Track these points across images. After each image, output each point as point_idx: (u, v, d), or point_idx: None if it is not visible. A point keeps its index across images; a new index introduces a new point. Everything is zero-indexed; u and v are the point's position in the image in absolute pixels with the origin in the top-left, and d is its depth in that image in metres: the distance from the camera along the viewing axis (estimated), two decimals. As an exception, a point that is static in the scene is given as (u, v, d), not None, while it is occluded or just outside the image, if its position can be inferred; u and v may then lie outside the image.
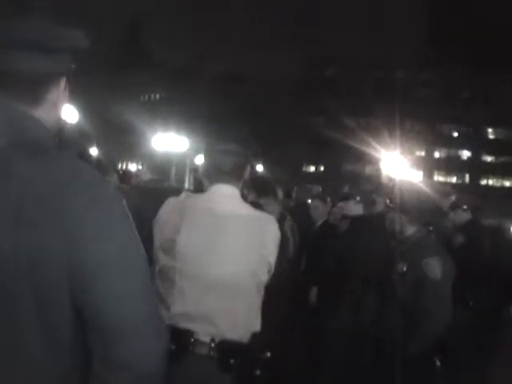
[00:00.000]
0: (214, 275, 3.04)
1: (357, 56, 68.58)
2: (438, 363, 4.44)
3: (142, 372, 1.56)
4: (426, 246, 4.67)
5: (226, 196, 3.20)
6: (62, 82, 1.75)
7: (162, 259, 3.11)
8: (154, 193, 5.34)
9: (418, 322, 4.37)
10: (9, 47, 1.60)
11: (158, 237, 3.14)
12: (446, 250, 4.90)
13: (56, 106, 1.76)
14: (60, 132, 1.86)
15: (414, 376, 4.33)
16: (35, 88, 1.67)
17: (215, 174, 3.24)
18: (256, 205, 3.75)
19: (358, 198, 6.89)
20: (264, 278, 3.16)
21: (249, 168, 3.30)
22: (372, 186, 10.89)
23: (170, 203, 3.24)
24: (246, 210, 3.25)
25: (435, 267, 4.43)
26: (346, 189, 8.60)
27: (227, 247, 3.08)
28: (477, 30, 68.79)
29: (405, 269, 4.50)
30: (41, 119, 1.67)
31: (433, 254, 4.54)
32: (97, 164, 8.13)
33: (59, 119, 1.81)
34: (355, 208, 6.87)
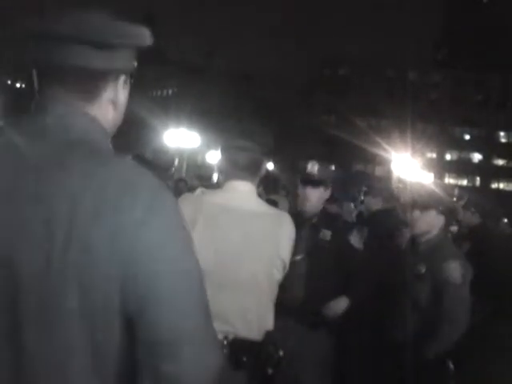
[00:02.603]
0: (227, 272, 3.02)
1: (369, 56, 68.50)
2: (452, 366, 4.42)
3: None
4: (445, 248, 4.63)
5: (242, 192, 3.18)
6: (121, 80, 1.68)
7: None
8: None
9: (437, 325, 4.34)
10: (67, 41, 1.53)
11: None
12: None
13: (114, 105, 1.68)
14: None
15: (427, 378, 4.32)
16: (91, 85, 1.61)
17: (231, 169, 3.22)
18: (271, 202, 3.75)
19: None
20: (278, 275, 3.13)
21: (265, 165, 3.28)
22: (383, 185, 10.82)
23: (185, 199, 3.21)
24: (261, 206, 3.23)
25: (456, 270, 4.40)
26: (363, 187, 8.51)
27: (242, 244, 3.06)
28: (491, 32, 68.50)
29: (423, 271, 4.48)
30: (96, 118, 1.62)
31: (453, 257, 4.51)
32: None
33: (118, 119, 1.73)
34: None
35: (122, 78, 1.69)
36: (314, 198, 4.76)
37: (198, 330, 1.53)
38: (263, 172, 3.29)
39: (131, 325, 1.50)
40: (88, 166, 1.49)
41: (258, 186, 3.36)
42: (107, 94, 1.65)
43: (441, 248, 4.58)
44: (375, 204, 7.29)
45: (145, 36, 1.67)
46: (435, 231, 4.65)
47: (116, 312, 1.48)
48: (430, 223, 4.65)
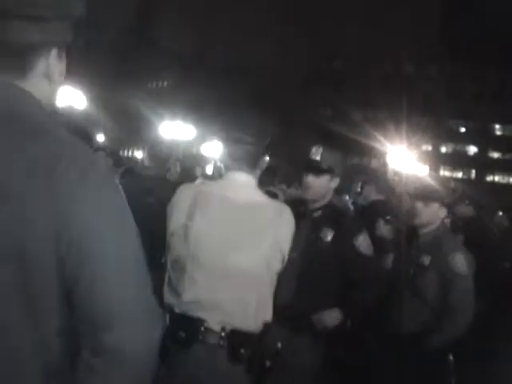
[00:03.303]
0: (226, 263, 3.01)
1: (365, 49, 68.42)
2: (452, 359, 4.42)
3: (133, 358, 1.50)
4: (449, 240, 4.64)
5: (241, 184, 3.17)
6: (54, 53, 1.63)
7: (174, 245, 3.09)
8: (154, 181, 5.29)
9: (443, 317, 4.34)
10: (1, 16, 1.50)
11: (171, 223, 3.11)
12: None
13: (47, 79, 1.65)
14: (55, 110, 1.77)
15: (428, 371, 4.30)
16: (21, 58, 1.57)
17: (230, 161, 3.22)
18: (271, 194, 3.72)
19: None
20: (277, 267, 3.12)
21: (264, 157, 3.28)
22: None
23: (185, 189, 3.21)
24: (260, 198, 3.22)
25: (462, 262, 4.40)
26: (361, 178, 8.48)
27: (241, 235, 3.05)
28: (487, 25, 68.50)
29: (428, 263, 4.47)
30: (28, 91, 1.58)
31: (458, 250, 4.51)
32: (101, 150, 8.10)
33: (52, 94, 1.70)
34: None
35: (55, 50, 1.64)
36: (317, 187, 4.25)
37: (134, 300, 1.52)
38: (263, 164, 3.29)
39: (69, 294, 1.50)
40: (17, 138, 1.49)
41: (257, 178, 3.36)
42: (40, 67, 1.62)
43: (444, 240, 4.58)
44: (374, 195, 7.29)
45: (74, 6, 1.63)
46: (436, 223, 4.66)
47: (54, 281, 1.48)
48: (433, 215, 4.64)
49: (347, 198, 9.89)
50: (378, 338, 4.73)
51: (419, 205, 4.63)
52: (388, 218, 6.05)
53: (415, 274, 4.52)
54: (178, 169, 7.50)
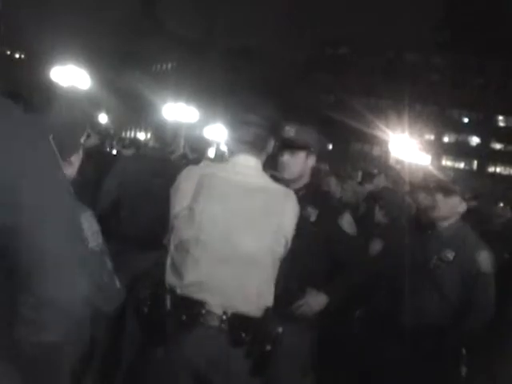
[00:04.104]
0: (229, 246, 3.00)
1: (369, 37, 68.15)
2: (464, 351, 4.40)
3: (65, 308, 1.51)
4: (472, 237, 4.56)
5: (247, 167, 3.16)
6: None
7: (178, 227, 3.08)
8: (157, 162, 5.28)
9: (463, 313, 4.30)
10: None
11: (175, 204, 3.10)
12: None
13: None
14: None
15: (440, 364, 4.28)
16: None
17: (237, 144, 3.21)
18: (277, 178, 3.69)
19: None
20: (280, 251, 3.12)
21: (271, 141, 3.26)
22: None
23: (189, 172, 3.19)
24: (265, 182, 3.21)
25: (488, 260, 4.36)
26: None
27: (245, 218, 3.04)
28: (492, 15, 68.13)
29: (452, 258, 4.40)
30: None
31: (483, 247, 4.45)
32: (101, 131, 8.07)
33: None
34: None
35: None
36: (293, 165, 4.03)
37: (61, 254, 1.53)
38: (270, 148, 3.27)
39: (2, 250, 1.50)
40: None
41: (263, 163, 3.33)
42: None
43: (468, 236, 4.52)
44: (383, 183, 7.29)
45: None
46: (455, 217, 4.57)
47: None
48: (453, 209, 4.55)
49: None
50: (390, 330, 4.66)
51: (439, 197, 4.53)
52: (382, 203, 6.05)
53: (436, 267, 4.45)
54: (189, 150, 7.48)
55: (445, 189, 4.55)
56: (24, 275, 1.49)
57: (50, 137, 1.60)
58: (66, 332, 1.57)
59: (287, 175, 4.04)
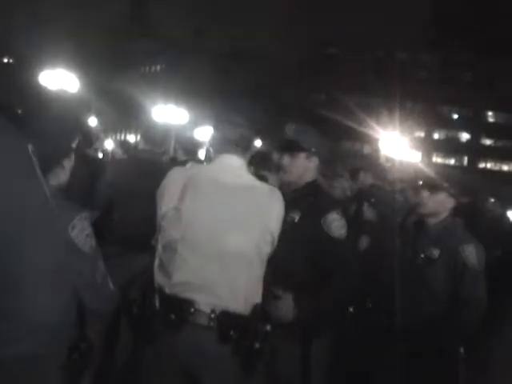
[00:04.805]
0: (217, 245, 3.04)
1: (358, 35, 68.21)
2: (463, 352, 4.38)
3: (38, 320, 1.49)
4: (458, 231, 4.57)
5: (232, 166, 3.20)
6: None
7: (166, 228, 3.11)
8: (148, 164, 5.29)
9: (454, 310, 4.30)
10: None
11: (162, 205, 3.13)
12: None
13: None
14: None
15: (439, 364, 4.27)
16: None
17: (221, 144, 3.24)
18: (260, 177, 3.70)
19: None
20: (267, 249, 3.15)
21: (255, 141, 3.29)
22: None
23: (175, 173, 3.23)
24: (250, 180, 3.25)
25: (473, 254, 4.35)
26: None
27: (230, 217, 3.08)
28: (481, 12, 68.31)
29: (437, 255, 4.42)
30: None
31: (469, 241, 4.45)
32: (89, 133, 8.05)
33: None
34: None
35: None
36: (295, 167, 3.93)
37: (36, 268, 1.50)
38: (253, 148, 3.31)
39: None
40: None
41: (248, 163, 3.36)
42: None
43: (455, 231, 4.53)
44: (370, 181, 7.30)
45: None
46: (445, 213, 4.59)
47: None
48: (440, 205, 4.58)
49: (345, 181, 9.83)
50: (385, 331, 4.64)
51: (425, 194, 4.57)
52: (372, 200, 6.05)
53: (423, 264, 4.47)
54: (181, 152, 7.47)
55: (431, 185, 4.57)
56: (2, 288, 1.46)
57: (29, 146, 1.58)
58: (40, 344, 1.54)
59: (286, 177, 3.99)
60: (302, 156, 3.94)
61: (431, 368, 4.24)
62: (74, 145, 2.98)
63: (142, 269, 4.31)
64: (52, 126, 2.85)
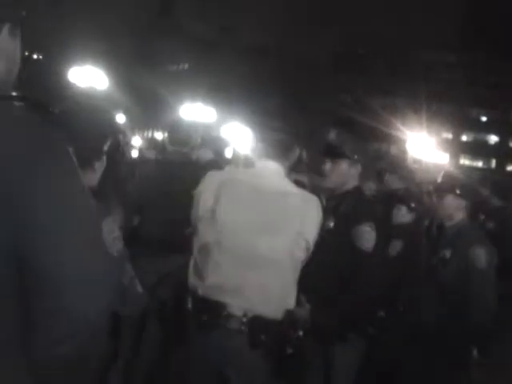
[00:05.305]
0: (250, 249, 3.04)
1: (387, 36, 67.92)
2: (476, 353, 4.40)
3: (79, 316, 1.47)
4: (471, 233, 4.59)
5: (270, 172, 3.19)
6: (5, 29, 1.56)
7: (201, 230, 3.13)
8: (176, 166, 5.29)
9: (463, 311, 4.31)
10: None
11: (198, 208, 3.14)
12: None
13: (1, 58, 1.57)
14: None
15: (451, 365, 4.29)
16: None
17: (262, 149, 3.24)
18: (299, 183, 3.69)
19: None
20: (301, 255, 3.14)
21: (297, 149, 3.27)
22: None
23: (212, 176, 3.23)
24: (287, 186, 3.23)
25: (481, 256, 4.36)
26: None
27: (266, 222, 3.07)
28: (508, 15, 67.66)
29: (448, 256, 4.45)
30: None
31: (478, 243, 4.46)
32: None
33: (8, 73, 1.61)
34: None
35: (7, 26, 1.57)
36: (336, 173, 3.92)
37: (82, 268, 1.48)
38: (295, 155, 3.28)
39: (19, 270, 1.46)
40: None
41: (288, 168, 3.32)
42: None
43: (467, 233, 4.55)
44: (397, 183, 7.22)
45: None
46: (460, 216, 4.61)
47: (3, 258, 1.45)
48: (451, 207, 4.59)
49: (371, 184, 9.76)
50: (401, 331, 4.67)
51: (435, 198, 4.69)
52: (412, 205, 6.00)
53: (437, 266, 4.51)
54: (210, 152, 7.46)
55: (438, 189, 4.69)
56: (43, 288, 1.45)
57: (70, 149, 1.57)
58: (82, 345, 1.53)
59: (329, 183, 4.00)
60: (344, 163, 3.93)
61: (443, 369, 4.27)
62: (106, 147, 2.97)
63: (170, 270, 4.33)
64: (87, 128, 2.85)
